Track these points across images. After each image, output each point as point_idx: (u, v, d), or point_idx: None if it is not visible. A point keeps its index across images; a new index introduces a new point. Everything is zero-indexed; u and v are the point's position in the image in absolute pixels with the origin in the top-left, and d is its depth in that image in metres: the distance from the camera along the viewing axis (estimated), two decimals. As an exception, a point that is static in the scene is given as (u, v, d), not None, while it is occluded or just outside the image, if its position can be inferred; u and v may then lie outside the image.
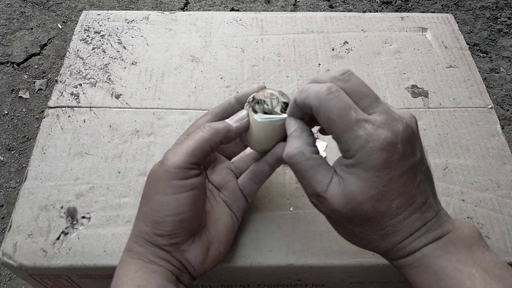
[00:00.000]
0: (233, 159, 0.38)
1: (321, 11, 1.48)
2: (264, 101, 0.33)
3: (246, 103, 0.34)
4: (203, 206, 0.32)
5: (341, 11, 1.47)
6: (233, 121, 0.33)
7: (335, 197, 0.28)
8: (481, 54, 1.36)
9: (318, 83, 0.28)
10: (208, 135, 0.31)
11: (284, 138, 0.33)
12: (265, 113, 0.33)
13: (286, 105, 0.33)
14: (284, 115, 0.32)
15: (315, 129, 0.33)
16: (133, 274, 0.30)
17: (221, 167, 0.36)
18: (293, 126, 0.31)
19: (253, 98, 0.34)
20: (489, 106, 0.47)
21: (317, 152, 0.30)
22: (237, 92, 0.47)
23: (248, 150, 0.38)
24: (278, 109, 0.33)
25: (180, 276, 0.31)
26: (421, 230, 0.28)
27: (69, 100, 0.47)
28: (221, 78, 0.49)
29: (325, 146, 0.43)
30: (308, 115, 0.31)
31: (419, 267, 0.28)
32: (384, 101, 0.28)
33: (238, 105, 0.35)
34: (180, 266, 0.31)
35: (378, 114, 0.27)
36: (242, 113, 0.34)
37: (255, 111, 0.33)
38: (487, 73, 1.31)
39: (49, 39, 1.39)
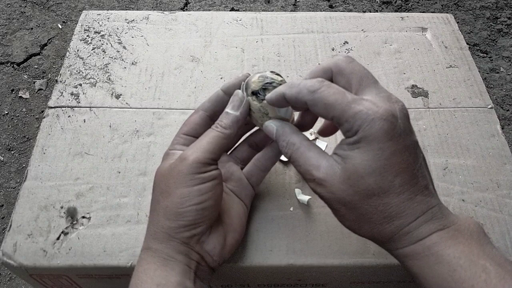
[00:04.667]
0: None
1: (321, 11, 1.48)
2: (270, 83, 0.33)
3: (249, 96, 0.34)
4: (221, 196, 0.33)
5: (341, 11, 1.47)
6: (235, 109, 0.34)
7: (333, 177, 0.28)
8: (481, 54, 1.36)
9: (307, 80, 0.30)
10: (223, 133, 0.33)
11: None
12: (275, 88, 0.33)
13: (272, 72, 0.34)
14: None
15: (314, 129, 0.33)
16: (153, 273, 0.30)
17: (222, 160, 0.37)
18: (273, 128, 0.32)
19: (258, 91, 0.34)
20: (489, 106, 0.47)
21: (305, 139, 0.31)
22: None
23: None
24: (278, 77, 0.34)
25: (198, 271, 0.32)
26: (427, 214, 0.27)
27: (69, 100, 0.47)
28: (221, 78, 0.49)
29: (325, 146, 0.43)
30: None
31: (429, 256, 0.27)
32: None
33: (226, 96, 0.36)
34: (200, 259, 0.32)
35: (376, 95, 0.28)
36: (238, 95, 0.34)
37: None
38: (487, 73, 1.31)
39: (49, 39, 1.39)
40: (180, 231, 0.31)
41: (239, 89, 0.35)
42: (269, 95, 0.32)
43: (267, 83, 0.33)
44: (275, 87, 0.33)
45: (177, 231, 0.31)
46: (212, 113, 0.36)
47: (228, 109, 0.34)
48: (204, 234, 0.32)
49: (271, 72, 0.34)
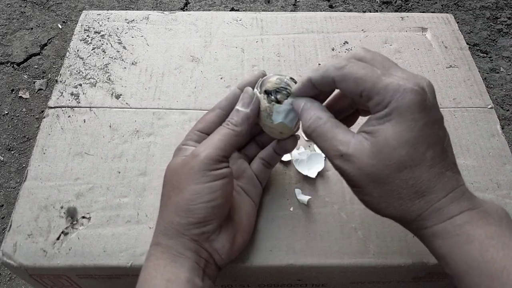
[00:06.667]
0: None
1: (321, 11, 1.48)
2: (285, 87, 0.34)
3: (262, 95, 0.34)
4: (231, 194, 0.33)
5: (341, 11, 1.47)
6: (245, 106, 0.34)
7: (362, 152, 0.28)
8: (481, 54, 1.36)
9: (331, 61, 0.30)
10: (234, 131, 0.33)
11: None
12: (288, 94, 0.33)
13: (291, 78, 0.34)
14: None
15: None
16: (162, 269, 0.30)
17: (233, 157, 0.37)
18: (301, 102, 0.32)
19: (271, 91, 0.34)
20: (489, 106, 0.47)
21: (333, 116, 0.31)
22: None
23: None
24: (293, 84, 0.34)
25: (206, 268, 0.32)
26: (457, 191, 0.27)
27: (69, 100, 0.47)
28: (221, 78, 0.49)
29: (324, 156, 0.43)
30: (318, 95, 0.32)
31: (460, 235, 0.26)
32: None
33: None
34: (208, 257, 0.32)
35: (402, 72, 0.28)
36: (248, 92, 0.34)
37: (279, 101, 0.33)
38: (487, 73, 1.31)
39: (49, 39, 1.39)
40: (190, 228, 0.31)
41: (255, 86, 0.35)
42: (294, 88, 0.33)
43: (282, 86, 0.34)
44: (288, 92, 0.33)
45: (186, 227, 0.31)
46: (229, 112, 0.35)
47: (238, 106, 0.34)
48: (214, 233, 0.32)
49: (291, 78, 0.34)
